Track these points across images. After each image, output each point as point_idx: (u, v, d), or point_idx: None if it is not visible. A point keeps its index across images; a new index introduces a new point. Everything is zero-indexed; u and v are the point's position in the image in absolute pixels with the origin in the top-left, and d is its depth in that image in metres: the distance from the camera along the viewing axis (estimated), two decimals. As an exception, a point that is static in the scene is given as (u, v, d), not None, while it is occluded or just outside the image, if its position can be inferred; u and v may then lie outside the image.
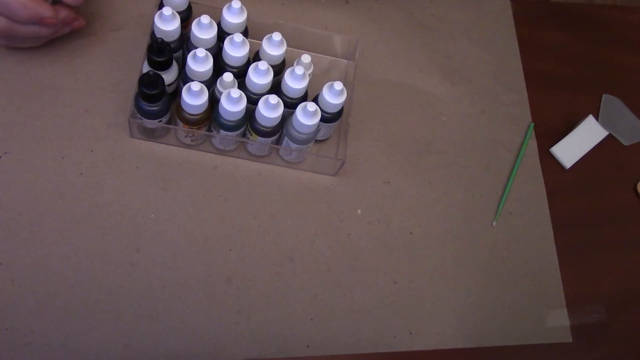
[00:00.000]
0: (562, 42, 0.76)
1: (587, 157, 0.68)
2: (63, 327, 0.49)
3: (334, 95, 0.55)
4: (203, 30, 0.53)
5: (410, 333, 0.56)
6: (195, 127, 0.54)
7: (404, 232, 0.60)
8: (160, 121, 0.53)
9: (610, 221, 0.67)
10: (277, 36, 0.54)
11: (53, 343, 0.48)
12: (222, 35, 0.56)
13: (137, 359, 0.50)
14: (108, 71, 0.58)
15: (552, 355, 0.59)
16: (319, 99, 0.56)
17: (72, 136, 0.55)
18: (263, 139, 0.55)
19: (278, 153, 0.58)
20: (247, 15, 0.56)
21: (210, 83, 0.54)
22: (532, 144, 0.68)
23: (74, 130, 0.55)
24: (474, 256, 0.61)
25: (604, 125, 0.69)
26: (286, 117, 0.55)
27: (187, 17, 0.57)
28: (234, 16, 0.55)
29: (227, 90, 0.51)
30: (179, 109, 0.53)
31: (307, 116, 0.53)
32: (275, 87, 0.56)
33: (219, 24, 0.55)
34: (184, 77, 0.54)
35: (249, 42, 0.54)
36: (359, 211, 0.59)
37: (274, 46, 0.55)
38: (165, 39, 0.52)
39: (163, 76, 0.51)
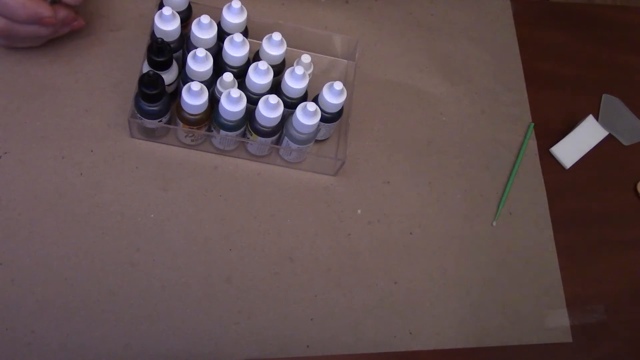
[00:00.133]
0: (562, 42, 0.76)
1: (587, 157, 0.68)
2: (63, 327, 0.49)
3: (334, 95, 0.55)
4: (203, 30, 0.53)
5: (410, 333, 0.56)
6: (195, 127, 0.54)
7: (404, 232, 0.60)
8: (160, 121, 0.53)
9: (610, 221, 0.67)
10: (277, 36, 0.54)
11: (53, 343, 0.48)
12: (222, 35, 0.56)
13: (137, 359, 0.50)
14: (108, 71, 0.58)
15: (552, 355, 0.59)
16: (319, 99, 0.56)
17: (72, 136, 0.55)
18: (263, 139, 0.55)
19: (278, 153, 0.58)
20: (247, 15, 0.56)
21: (210, 83, 0.54)
22: (532, 144, 0.68)
23: (74, 130, 0.55)
24: (474, 256, 0.61)
25: (604, 125, 0.69)
26: (286, 117, 0.55)
27: (187, 17, 0.57)
28: (234, 16, 0.55)
29: (227, 90, 0.51)
30: (179, 109, 0.53)
31: (307, 116, 0.53)
32: (275, 87, 0.56)
33: (219, 24, 0.55)
34: (184, 77, 0.54)
35: (249, 42, 0.54)
36: (359, 211, 0.59)
37: (274, 46, 0.55)
38: (165, 39, 0.52)
39: (163, 76, 0.51)
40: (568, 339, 0.60)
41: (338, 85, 0.54)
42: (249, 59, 0.56)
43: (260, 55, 0.56)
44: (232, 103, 0.51)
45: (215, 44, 0.55)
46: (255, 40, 0.60)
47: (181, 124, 0.54)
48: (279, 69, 0.57)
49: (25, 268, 0.50)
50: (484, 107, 0.68)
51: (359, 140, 0.62)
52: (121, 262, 0.52)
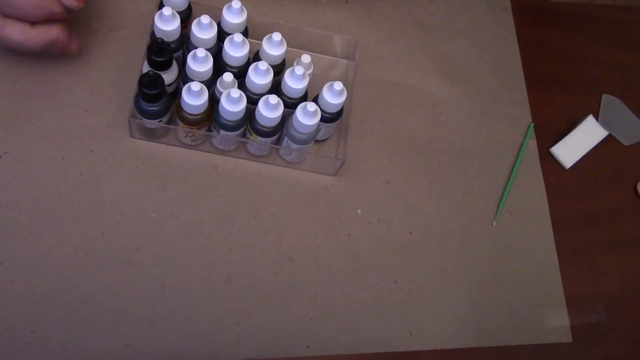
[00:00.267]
0: (562, 42, 0.76)
1: (587, 157, 0.68)
2: (63, 327, 0.49)
3: (334, 95, 0.55)
4: (203, 30, 0.53)
5: (410, 333, 0.56)
6: (195, 127, 0.54)
7: (404, 232, 0.60)
8: (160, 121, 0.53)
9: (610, 221, 0.67)
10: (277, 36, 0.54)
11: (53, 343, 0.48)
12: (222, 35, 0.56)
13: (137, 359, 0.50)
14: (108, 71, 0.58)
15: (552, 355, 0.59)
16: (319, 99, 0.56)
17: (72, 136, 0.55)
18: (263, 139, 0.55)
19: (278, 153, 0.58)
20: (247, 15, 0.56)
21: (210, 83, 0.54)
22: (532, 144, 0.68)
23: (74, 130, 0.55)
24: (474, 256, 0.61)
25: (604, 125, 0.69)
26: (286, 117, 0.55)
27: (187, 17, 0.57)
28: (234, 16, 0.55)
29: (227, 90, 0.51)
30: (179, 109, 0.53)
31: (307, 116, 0.53)
32: (275, 87, 0.56)
33: (219, 24, 0.55)
34: (184, 77, 0.54)
35: (249, 42, 0.54)
36: (359, 211, 0.59)
37: (274, 46, 0.55)
38: (165, 39, 0.52)
39: (163, 76, 0.51)
40: (568, 339, 0.60)
41: (338, 85, 0.54)
42: (249, 59, 0.56)
43: (260, 55, 0.56)
44: (232, 103, 0.51)
45: (215, 44, 0.55)
46: (255, 41, 0.60)
47: (181, 124, 0.54)
48: (279, 69, 0.57)
49: (25, 268, 0.50)
50: (484, 107, 0.68)
51: (359, 140, 0.62)
52: (121, 262, 0.52)
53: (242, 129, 0.55)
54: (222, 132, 0.54)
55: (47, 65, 0.57)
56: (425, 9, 0.72)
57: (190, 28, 0.53)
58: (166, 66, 0.52)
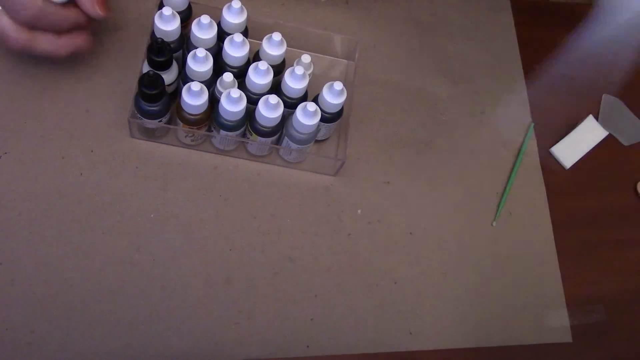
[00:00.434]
0: (562, 42, 0.76)
1: (587, 157, 0.68)
2: (63, 327, 0.49)
3: (334, 95, 0.55)
4: (203, 30, 0.53)
5: (410, 333, 0.56)
6: (195, 127, 0.54)
7: (404, 232, 0.60)
8: (160, 121, 0.53)
9: (610, 221, 0.67)
10: (277, 36, 0.54)
11: (53, 343, 0.48)
12: (222, 35, 0.56)
13: (137, 359, 0.50)
14: (108, 71, 0.58)
15: (552, 355, 0.59)
16: (319, 99, 0.56)
17: (72, 136, 0.55)
18: (263, 139, 0.55)
19: (278, 153, 0.58)
20: (247, 15, 0.56)
21: (210, 83, 0.54)
22: (532, 144, 0.68)
23: (74, 130, 0.55)
24: (474, 256, 0.61)
25: (604, 125, 0.69)
26: (286, 117, 0.55)
27: (187, 17, 0.57)
28: (233, 16, 0.55)
29: (227, 90, 0.51)
30: (179, 109, 0.53)
31: (307, 116, 0.53)
32: (275, 87, 0.56)
33: (218, 24, 0.55)
34: (184, 77, 0.54)
35: (249, 42, 0.54)
36: (359, 211, 0.59)
37: (274, 46, 0.55)
38: (165, 39, 0.52)
39: (163, 76, 0.51)
40: (568, 339, 0.60)
41: (338, 85, 0.54)
42: (249, 59, 0.56)
43: (260, 55, 0.56)
44: (232, 103, 0.51)
45: (215, 44, 0.55)
46: (255, 41, 0.60)
47: (181, 124, 0.54)
48: (279, 69, 0.57)
49: (25, 268, 0.50)
50: (484, 107, 0.68)
51: (359, 140, 0.62)
52: (121, 262, 0.52)
53: (242, 129, 0.55)
54: (222, 132, 0.54)
55: (47, 65, 0.57)
56: (425, 9, 0.72)
57: (190, 28, 0.53)
58: (166, 66, 0.52)
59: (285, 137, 0.56)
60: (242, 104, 0.52)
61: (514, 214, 0.64)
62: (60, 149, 0.54)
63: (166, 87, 0.52)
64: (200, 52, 0.51)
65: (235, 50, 0.53)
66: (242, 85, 0.55)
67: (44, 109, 0.55)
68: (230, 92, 0.51)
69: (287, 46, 0.56)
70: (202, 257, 0.54)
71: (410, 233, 0.60)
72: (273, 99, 0.52)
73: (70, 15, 0.50)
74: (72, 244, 0.52)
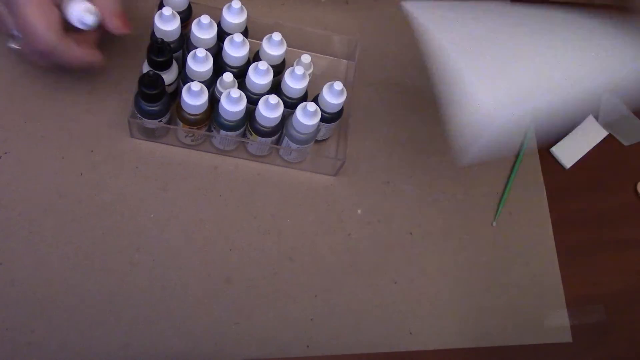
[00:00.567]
0: (562, 42, 0.76)
1: (587, 157, 0.68)
2: (63, 327, 0.49)
3: (334, 95, 0.55)
4: (203, 30, 0.53)
5: (410, 333, 0.56)
6: (195, 127, 0.54)
7: (404, 232, 0.60)
8: (160, 121, 0.53)
9: (610, 221, 0.67)
10: (277, 36, 0.54)
11: (53, 343, 0.48)
12: (222, 35, 0.56)
13: (137, 359, 0.50)
14: (108, 71, 0.58)
15: (552, 355, 0.59)
16: (319, 99, 0.56)
17: (72, 136, 0.55)
18: (263, 139, 0.55)
19: (278, 153, 0.58)
20: (247, 15, 0.56)
21: (210, 83, 0.54)
22: (532, 144, 0.68)
23: (74, 130, 0.55)
24: (474, 256, 0.61)
25: (604, 125, 0.69)
26: (286, 117, 0.55)
27: (187, 17, 0.57)
28: (233, 16, 0.55)
29: (227, 90, 0.51)
30: (179, 109, 0.53)
31: (307, 116, 0.53)
32: (276, 87, 0.56)
33: (218, 24, 0.55)
34: (184, 77, 0.54)
35: (249, 42, 0.54)
36: (359, 211, 0.59)
37: (274, 46, 0.55)
38: (165, 39, 0.52)
39: (163, 76, 0.51)
40: (568, 339, 0.60)
41: (338, 85, 0.54)
42: (249, 59, 0.56)
43: (260, 55, 0.56)
44: (232, 103, 0.51)
45: (215, 44, 0.55)
46: (255, 41, 0.59)
47: (181, 124, 0.54)
48: (279, 69, 0.57)
49: (25, 268, 0.50)
50: (484, 107, 0.68)
51: (359, 140, 0.62)
52: (121, 262, 0.52)
53: (242, 129, 0.55)
54: (222, 132, 0.54)
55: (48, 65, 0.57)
56: (425, 9, 0.72)
57: (190, 28, 0.53)
58: (166, 66, 0.52)
59: (285, 137, 0.56)
60: (242, 104, 0.52)
61: (514, 214, 0.64)
62: (60, 149, 0.54)
63: (166, 87, 0.52)
64: (200, 52, 0.51)
65: (235, 50, 0.53)
66: (242, 85, 0.55)
67: (44, 109, 0.55)
68: (230, 92, 0.51)
69: (287, 46, 0.56)
70: (202, 257, 0.54)
71: (410, 233, 0.60)
72: (273, 99, 0.52)
73: (82, 53, 0.50)
74: (72, 244, 0.52)
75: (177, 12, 0.54)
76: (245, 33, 0.57)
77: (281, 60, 0.57)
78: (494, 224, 0.63)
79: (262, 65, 0.52)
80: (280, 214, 0.57)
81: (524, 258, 0.62)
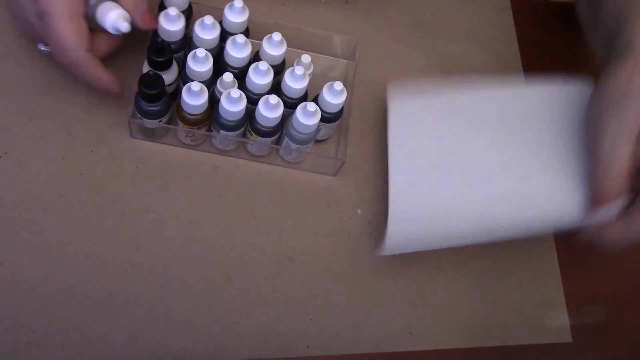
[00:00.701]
0: (562, 42, 0.76)
1: (587, 157, 0.68)
2: (63, 327, 0.49)
3: (334, 95, 0.55)
4: (206, 30, 0.53)
5: (410, 333, 0.56)
6: (195, 127, 0.54)
7: (404, 232, 0.60)
8: (160, 121, 0.53)
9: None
10: (277, 36, 0.54)
11: (53, 343, 0.48)
12: (223, 34, 0.55)
13: (137, 359, 0.50)
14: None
15: (552, 355, 0.59)
16: (319, 99, 0.56)
17: (72, 136, 0.55)
18: (263, 139, 0.55)
19: (278, 153, 0.58)
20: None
21: (211, 83, 0.54)
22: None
23: (74, 130, 0.55)
24: (474, 256, 0.61)
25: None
26: (286, 117, 0.55)
27: (187, 17, 0.57)
28: (236, 15, 0.55)
29: (227, 90, 0.51)
30: (179, 109, 0.53)
31: (307, 116, 0.53)
32: (276, 87, 0.56)
33: (220, 23, 0.55)
34: (184, 77, 0.54)
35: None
36: (359, 211, 0.59)
37: (274, 46, 0.55)
38: (169, 40, 0.52)
39: (163, 76, 0.51)
40: (568, 339, 0.60)
41: (338, 85, 0.54)
42: (250, 60, 0.56)
43: (261, 55, 0.56)
44: (232, 103, 0.51)
45: (218, 44, 0.55)
46: (254, 41, 0.59)
47: (181, 124, 0.54)
48: (279, 69, 0.57)
49: (25, 268, 0.50)
50: (484, 107, 0.68)
51: (359, 140, 0.62)
52: (121, 262, 0.52)
53: (242, 129, 0.55)
54: (222, 132, 0.54)
55: (47, 65, 0.56)
56: (425, 9, 0.72)
57: (193, 28, 0.53)
58: (166, 66, 0.52)
59: (285, 137, 0.56)
60: (242, 104, 0.52)
61: (514, 214, 0.64)
62: (60, 149, 0.54)
63: (166, 87, 0.52)
64: (200, 52, 0.51)
65: (238, 51, 0.53)
66: (242, 86, 0.55)
67: (44, 109, 0.55)
68: (230, 92, 0.51)
69: (287, 46, 0.56)
70: (202, 257, 0.54)
71: (410, 233, 0.60)
72: (273, 99, 0.52)
73: (105, 76, 0.50)
74: (72, 244, 0.52)
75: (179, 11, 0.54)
76: (246, 32, 0.57)
77: (281, 60, 0.57)
78: (494, 224, 0.63)
79: (263, 65, 0.52)
80: (280, 214, 0.57)
81: (524, 258, 0.62)
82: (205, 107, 0.52)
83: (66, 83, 0.57)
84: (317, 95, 0.56)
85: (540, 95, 0.59)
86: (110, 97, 0.53)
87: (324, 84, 0.55)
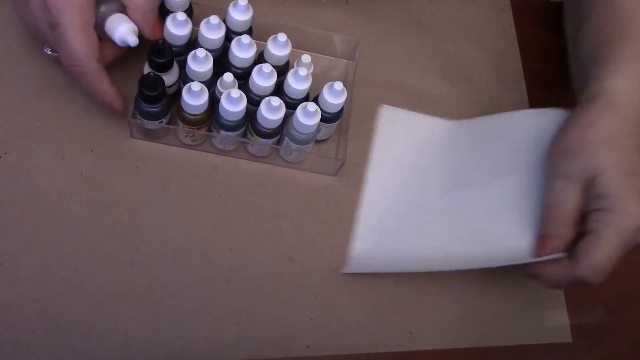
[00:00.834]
0: (562, 42, 0.76)
1: (587, 157, 0.68)
2: (63, 327, 0.49)
3: (334, 95, 0.55)
4: (212, 30, 0.53)
5: (410, 333, 0.56)
6: (195, 127, 0.54)
7: (404, 232, 0.60)
8: (161, 122, 0.53)
9: (610, 221, 0.67)
10: (282, 37, 0.54)
11: (53, 343, 0.48)
12: (228, 33, 0.55)
13: (137, 359, 0.50)
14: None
15: (552, 355, 0.59)
16: (319, 99, 0.56)
17: (72, 136, 0.55)
18: (264, 140, 0.55)
19: (278, 153, 0.58)
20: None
21: (211, 83, 0.54)
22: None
23: (74, 130, 0.55)
24: (474, 256, 0.61)
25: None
26: (287, 118, 0.55)
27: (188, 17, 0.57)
28: (240, 13, 0.55)
29: (227, 91, 0.51)
30: (179, 109, 0.53)
31: (307, 116, 0.53)
32: (277, 88, 0.56)
33: (224, 22, 0.55)
34: (184, 78, 0.54)
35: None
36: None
37: (279, 47, 0.55)
38: (174, 44, 0.52)
39: (164, 78, 0.51)
40: (568, 339, 0.60)
41: (338, 85, 0.54)
42: (254, 60, 0.56)
43: (265, 56, 0.56)
44: (232, 103, 0.51)
45: (222, 43, 0.55)
46: (255, 40, 0.59)
47: (181, 124, 0.54)
48: (282, 70, 0.57)
49: (25, 268, 0.50)
50: (484, 107, 0.68)
51: (359, 140, 0.62)
52: (121, 262, 0.52)
53: (242, 129, 0.55)
54: (222, 132, 0.54)
55: (47, 65, 0.56)
56: (425, 9, 0.72)
57: (199, 29, 0.53)
58: (167, 68, 0.52)
59: (286, 137, 0.56)
60: (242, 104, 0.52)
61: (514, 214, 0.64)
62: (60, 149, 0.54)
63: (167, 88, 0.52)
64: (201, 52, 0.51)
65: (242, 51, 0.53)
66: (245, 86, 0.54)
67: (44, 109, 0.55)
68: (230, 92, 0.51)
69: (288, 46, 0.56)
70: (202, 257, 0.54)
71: (410, 233, 0.60)
72: (275, 101, 0.51)
73: (110, 90, 0.50)
74: (72, 244, 0.52)
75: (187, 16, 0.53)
76: (250, 32, 0.57)
77: (285, 61, 0.57)
78: (494, 224, 0.63)
79: (267, 67, 0.52)
80: (280, 214, 0.57)
81: (524, 258, 0.62)
82: (206, 107, 0.52)
83: (66, 83, 0.57)
84: (317, 96, 0.56)
85: (514, 126, 0.60)
86: (112, 112, 0.53)
87: (324, 84, 0.55)
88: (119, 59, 0.54)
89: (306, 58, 0.56)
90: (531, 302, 0.60)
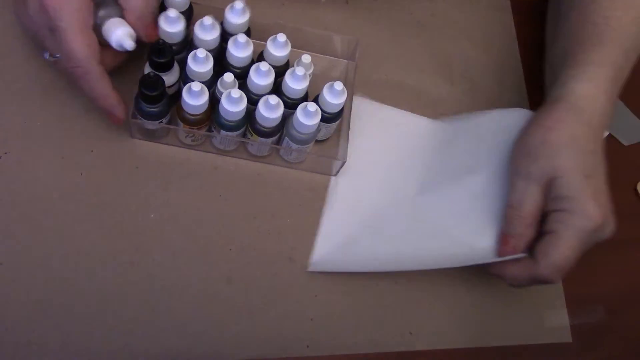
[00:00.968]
0: (562, 42, 0.76)
1: (587, 157, 0.68)
2: (63, 327, 0.49)
3: (334, 95, 0.55)
4: (206, 31, 0.53)
5: (410, 333, 0.56)
6: (195, 128, 0.54)
7: (404, 232, 0.60)
8: (161, 122, 0.53)
9: (610, 221, 0.67)
10: (281, 37, 0.54)
11: (53, 343, 0.48)
12: (224, 35, 0.55)
13: (137, 359, 0.50)
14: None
15: (552, 355, 0.59)
16: (319, 99, 0.56)
17: (72, 136, 0.55)
18: (263, 140, 0.55)
19: (278, 153, 0.58)
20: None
21: (211, 83, 0.54)
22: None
23: (74, 130, 0.55)
24: (474, 256, 0.61)
25: (604, 125, 0.70)
26: (287, 118, 0.55)
27: (188, 17, 0.57)
28: (236, 17, 0.55)
29: (228, 91, 0.51)
30: (180, 109, 0.53)
31: (307, 116, 0.53)
32: (276, 88, 0.56)
33: (221, 25, 0.55)
34: (184, 78, 0.54)
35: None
36: (359, 211, 0.59)
37: (278, 47, 0.55)
38: (169, 41, 0.52)
39: (164, 78, 0.51)
40: (568, 339, 0.60)
41: (338, 85, 0.54)
42: (252, 60, 0.56)
43: (265, 56, 0.56)
44: (233, 103, 0.51)
45: (218, 44, 0.55)
46: (255, 41, 0.59)
47: (182, 124, 0.54)
48: (282, 70, 0.57)
49: (25, 268, 0.50)
50: (484, 107, 0.68)
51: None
52: (121, 262, 0.52)
53: (242, 129, 0.55)
54: (223, 132, 0.54)
55: (47, 65, 0.56)
56: (425, 9, 0.72)
57: (193, 29, 0.53)
58: (167, 68, 0.52)
59: (286, 137, 0.56)
60: (243, 104, 0.52)
61: (514, 214, 0.64)
62: (60, 149, 0.54)
63: (167, 88, 0.52)
64: (201, 52, 0.51)
65: (239, 50, 0.53)
66: (243, 86, 0.54)
67: (44, 109, 0.55)
68: (231, 93, 0.51)
69: (287, 46, 0.56)
70: (202, 257, 0.54)
71: (410, 233, 0.60)
72: (273, 99, 0.52)
73: (110, 95, 0.50)
74: (72, 244, 0.52)
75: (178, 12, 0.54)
76: (247, 33, 0.57)
77: (285, 61, 0.57)
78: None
79: (264, 66, 0.52)
80: (280, 214, 0.57)
81: (524, 258, 0.62)
82: (206, 107, 0.52)
83: (66, 83, 0.57)
84: (317, 96, 0.56)
85: (481, 125, 0.61)
86: (111, 120, 0.52)
87: (324, 84, 0.55)
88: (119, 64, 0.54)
89: (306, 58, 0.56)
90: (531, 302, 0.60)
